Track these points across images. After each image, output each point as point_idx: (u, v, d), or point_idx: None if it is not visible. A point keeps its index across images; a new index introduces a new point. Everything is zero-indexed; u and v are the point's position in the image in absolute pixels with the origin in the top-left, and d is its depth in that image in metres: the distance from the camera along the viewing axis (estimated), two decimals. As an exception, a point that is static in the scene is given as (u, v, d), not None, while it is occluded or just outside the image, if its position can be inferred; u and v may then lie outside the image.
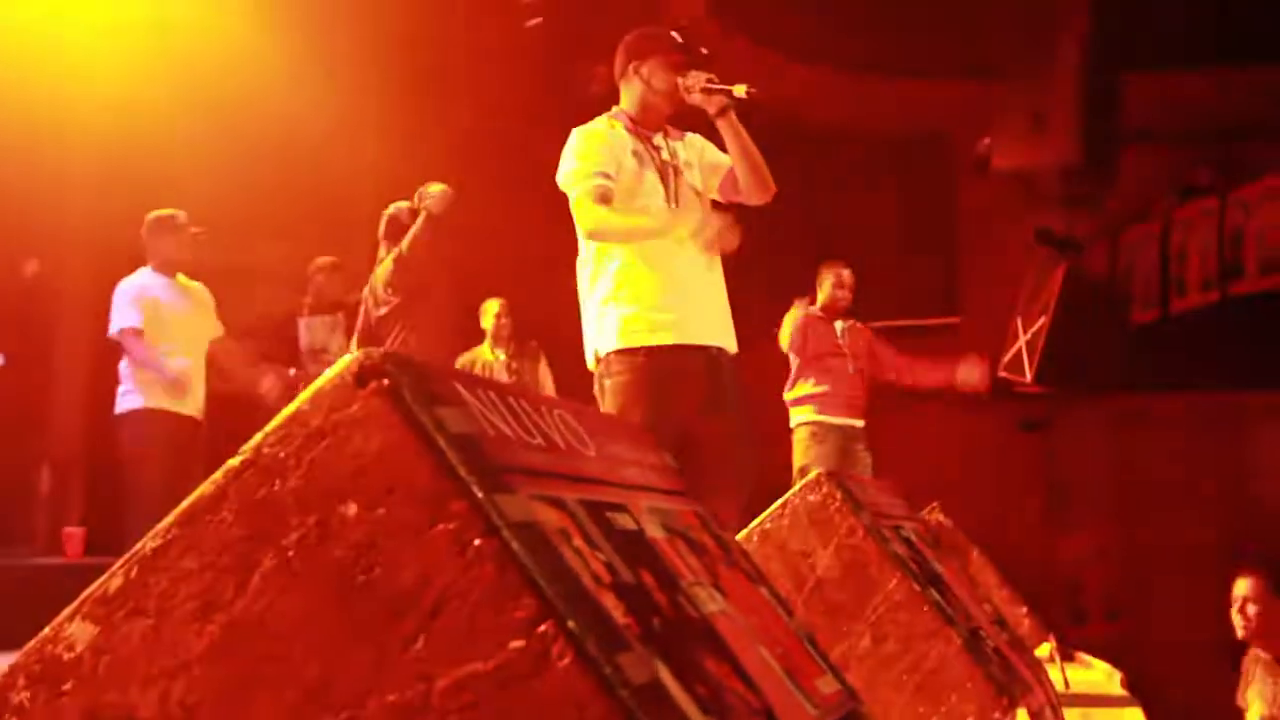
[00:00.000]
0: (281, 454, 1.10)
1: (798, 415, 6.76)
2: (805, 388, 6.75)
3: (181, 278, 6.47)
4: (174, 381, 6.14)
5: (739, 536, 2.61)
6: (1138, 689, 5.12)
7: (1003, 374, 8.74)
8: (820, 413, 6.69)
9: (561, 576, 1.05)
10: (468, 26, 9.38)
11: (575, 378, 7.76)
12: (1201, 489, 9.99)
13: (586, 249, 4.14)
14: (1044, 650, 5.34)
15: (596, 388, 4.09)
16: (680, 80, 4.06)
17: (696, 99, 4.04)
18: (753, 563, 1.67)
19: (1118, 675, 5.06)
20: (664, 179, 4.19)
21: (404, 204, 6.79)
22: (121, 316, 6.23)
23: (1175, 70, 9.50)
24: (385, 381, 1.08)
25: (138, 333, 6.20)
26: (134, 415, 6.18)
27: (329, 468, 1.08)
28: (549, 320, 8.10)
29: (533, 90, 9.92)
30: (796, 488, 2.70)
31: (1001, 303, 8.99)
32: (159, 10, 7.85)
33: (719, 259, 4.25)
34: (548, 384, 7.81)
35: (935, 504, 4.94)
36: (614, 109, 4.27)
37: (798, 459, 6.67)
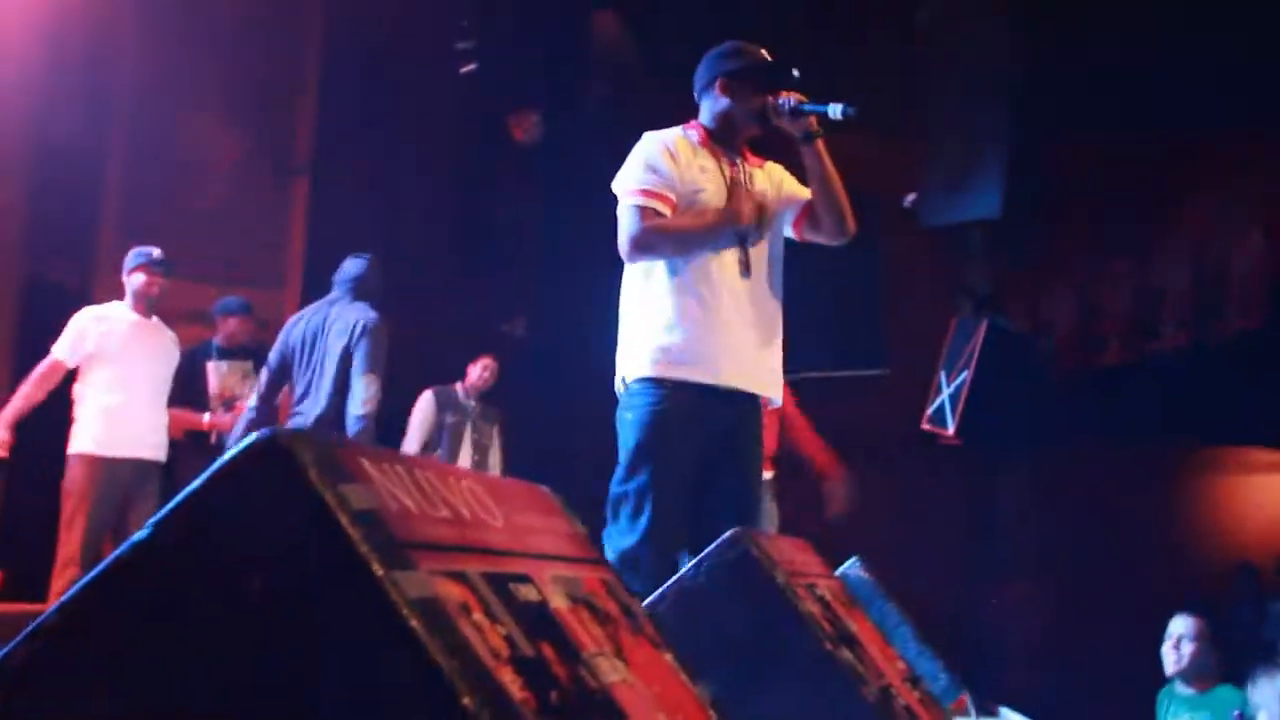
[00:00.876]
0: (186, 529, 1.12)
1: None
2: None
3: (156, 319, 6.45)
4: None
5: (654, 595, 2.65)
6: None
7: (926, 427, 8.86)
8: None
9: (459, 652, 1.07)
10: (403, 71, 9.42)
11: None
12: (1123, 539, 10.16)
13: (630, 266, 3.91)
14: (964, 704, 5.39)
15: (618, 417, 3.87)
16: (770, 100, 3.83)
17: (785, 121, 3.82)
18: (659, 628, 1.70)
19: (1032, 727, 5.13)
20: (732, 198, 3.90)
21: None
22: (58, 342, 6.20)
23: (1096, 131, 9.74)
24: (290, 460, 1.10)
25: (54, 362, 6.16)
26: (69, 460, 6.12)
27: (233, 544, 1.10)
28: (456, 367, 8.14)
29: (466, 135, 9.97)
30: (713, 546, 2.73)
31: (926, 356, 9.13)
32: (86, 40, 7.81)
33: (778, 295, 4.03)
34: (495, 446, 7.87)
35: (855, 558, 4.97)
36: (690, 122, 4.03)
37: None
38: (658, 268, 3.84)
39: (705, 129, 3.98)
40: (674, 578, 2.72)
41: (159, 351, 6.42)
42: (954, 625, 8.34)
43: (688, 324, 3.78)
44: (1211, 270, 9.39)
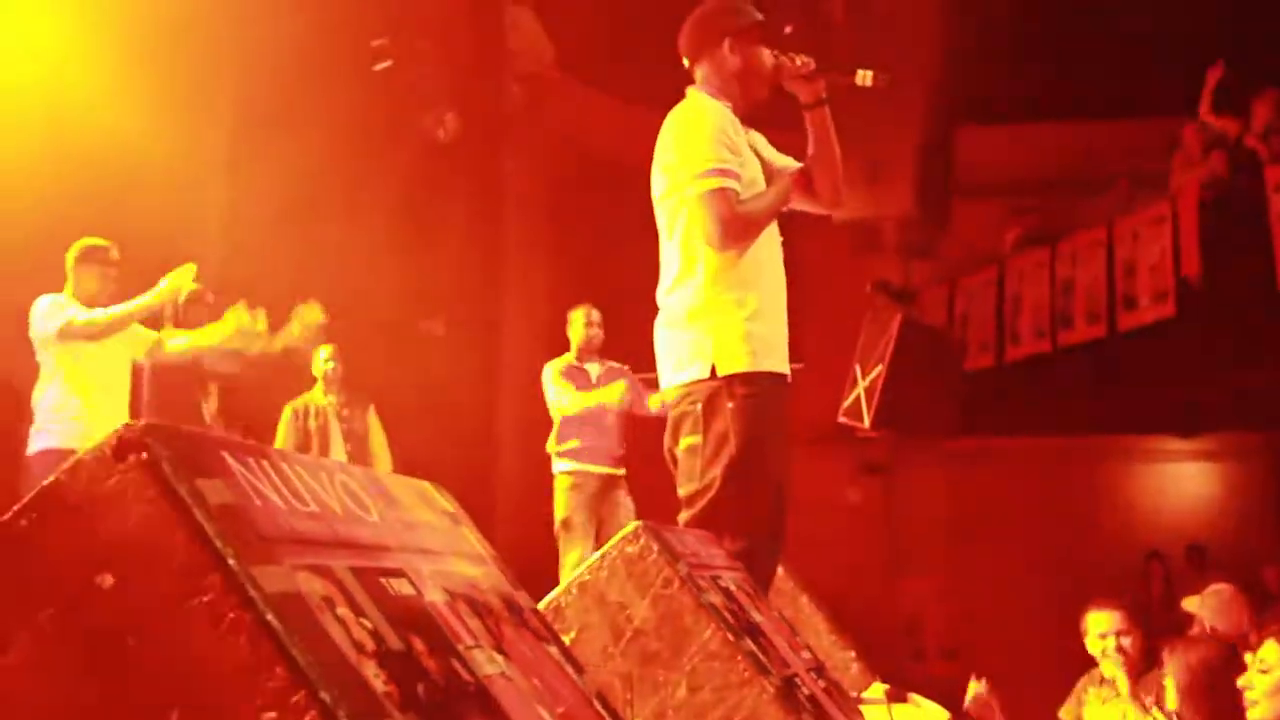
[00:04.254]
0: (40, 525, 1.10)
1: (558, 465, 6.85)
2: (565, 440, 6.82)
3: None
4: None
5: (558, 589, 2.65)
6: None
7: (842, 419, 8.93)
8: (580, 461, 6.74)
9: (318, 646, 1.06)
10: (319, 67, 9.32)
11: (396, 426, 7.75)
12: (1034, 529, 10.31)
13: (697, 254, 3.56)
14: (876, 691, 5.43)
15: (700, 407, 3.54)
16: (788, 60, 3.58)
17: (799, 83, 3.58)
18: (544, 621, 1.70)
19: (946, 715, 5.17)
20: (765, 169, 3.68)
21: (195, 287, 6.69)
22: (60, 314, 5.88)
23: (1005, 125, 9.88)
24: (144, 454, 1.08)
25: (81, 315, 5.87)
26: (43, 457, 5.74)
27: (86, 540, 1.08)
28: (376, 364, 8.05)
29: (381, 133, 9.89)
30: (616, 539, 2.73)
31: (841, 349, 9.20)
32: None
33: None
34: (376, 432, 7.74)
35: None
36: (701, 89, 3.69)
37: (559, 510, 6.75)
38: (736, 253, 3.56)
39: (723, 96, 3.65)
40: (576, 571, 2.73)
41: (115, 341, 6.12)
42: (870, 615, 8.40)
43: (769, 312, 3.60)
44: (1123, 261, 9.53)
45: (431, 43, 9.65)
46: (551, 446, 6.87)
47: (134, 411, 6.20)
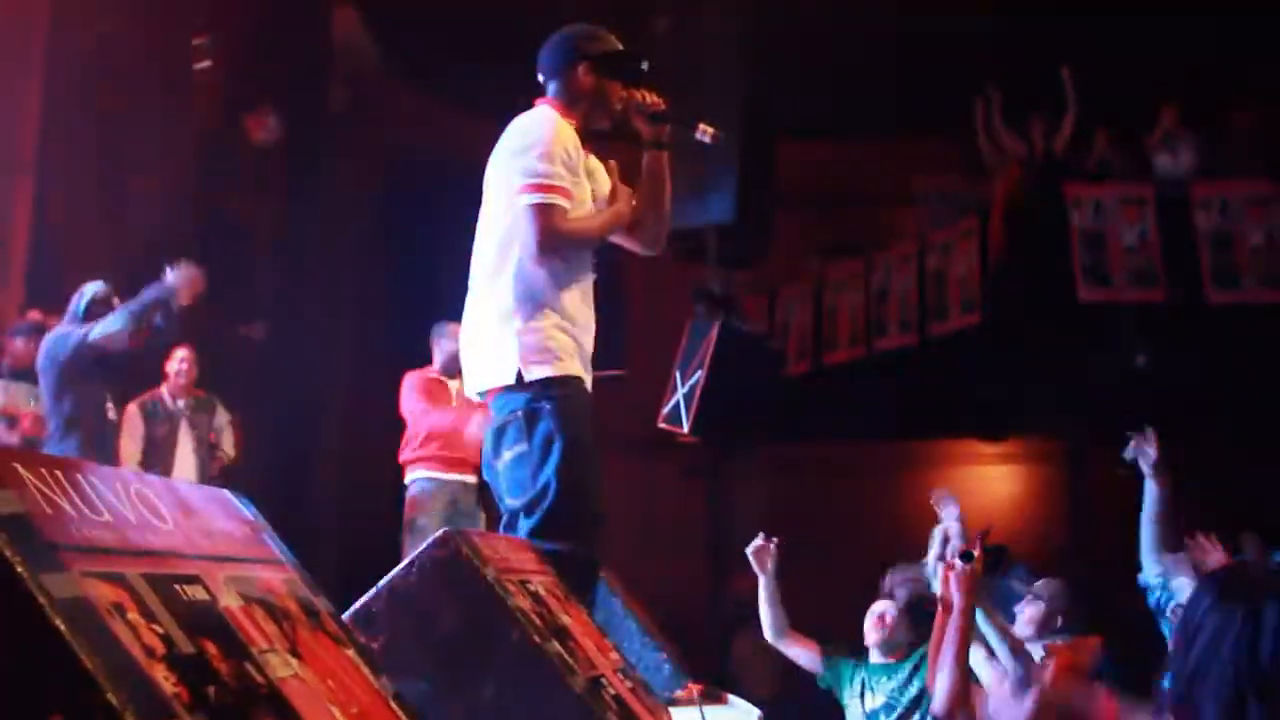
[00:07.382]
0: None
1: (411, 474, 6.81)
2: (417, 448, 6.79)
3: None
4: None
5: (369, 594, 2.68)
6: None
7: (662, 425, 9.07)
8: (431, 469, 6.74)
9: (106, 650, 1.10)
10: (135, 64, 9.12)
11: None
12: (852, 530, 10.59)
13: (511, 259, 3.64)
14: (690, 692, 5.56)
15: (522, 415, 3.61)
16: (637, 97, 3.69)
17: (643, 122, 3.70)
18: (343, 624, 1.75)
19: (756, 714, 5.32)
20: (594, 195, 3.76)
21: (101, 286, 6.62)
22: None
23: (825, 137, 10.16)
24: (-68, 466, 1.11)
25: None
26: None
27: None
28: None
29: (203, 134, 9.72)
30: (425, 545, 2.78)
31: (663, 356, 9.33)
32: None
33: None
34: (225, 430, 7.62)
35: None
36: (549, 104, 3.77)
37: (409, 514, 6.72)
38: (547, 265, 3.62)
39: (568, 115, 3.74)
40: (386, 577, 2.76)
41: None
42: (692, 618, 8.55)
43: (572, 323, 3.66)
44: (933, 272, 9.87)
45: (254, 43, 9.52)
46: (408, 454, 6.83)
47: None
